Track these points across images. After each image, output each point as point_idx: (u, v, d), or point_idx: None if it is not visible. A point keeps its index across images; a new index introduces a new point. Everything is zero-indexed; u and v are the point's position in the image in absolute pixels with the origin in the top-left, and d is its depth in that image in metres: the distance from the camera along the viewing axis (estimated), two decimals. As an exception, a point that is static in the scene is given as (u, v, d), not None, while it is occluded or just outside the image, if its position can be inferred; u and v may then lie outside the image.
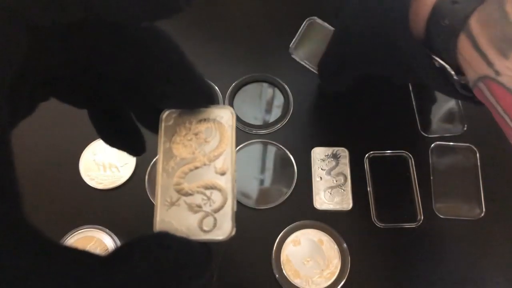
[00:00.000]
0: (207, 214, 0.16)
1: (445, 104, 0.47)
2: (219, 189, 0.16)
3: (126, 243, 0.16)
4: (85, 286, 0.14)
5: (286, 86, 0.46)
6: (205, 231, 0.15)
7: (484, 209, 0.42)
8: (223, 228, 0.15)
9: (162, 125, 0.18)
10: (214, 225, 0.15)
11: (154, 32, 0.19)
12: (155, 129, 0.19)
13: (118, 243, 0.38)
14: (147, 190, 0.41)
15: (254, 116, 0.46)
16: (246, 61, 0.48)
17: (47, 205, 0.40)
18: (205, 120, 0.17)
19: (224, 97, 0.46)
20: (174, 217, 0.15)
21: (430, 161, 0.44)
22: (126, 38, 0.18)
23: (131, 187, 0.42)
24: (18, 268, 0.14)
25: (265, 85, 0.47)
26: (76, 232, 0.39)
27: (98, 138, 0.23)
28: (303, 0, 0.50)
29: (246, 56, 0.48)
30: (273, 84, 0.47)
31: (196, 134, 0.17)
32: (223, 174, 0.16)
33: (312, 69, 0.47)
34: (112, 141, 0.23)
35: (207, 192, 0.16)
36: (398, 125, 0.46)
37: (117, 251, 0.15)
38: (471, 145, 0.44)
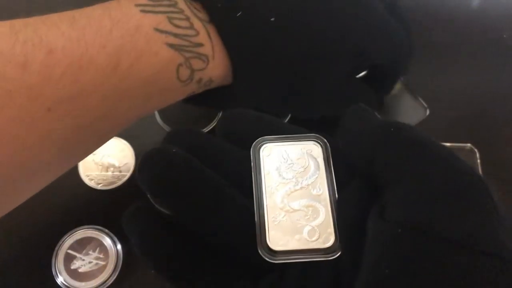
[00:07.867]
0: (310, 228, 0.19)
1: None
2: (317, 208, 0.20)
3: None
4: None
5: (286, 86, 0.46)
6: (311, 241, 0.19)
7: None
8: (325, 238, 0.19)
9: (261, 155, 0.21)
10: (318, 236, 0.19)
11: None
12: None
13: (118, 243, 0.38)
14: (147, 190, 0.41)
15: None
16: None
17: (46, 205, 0.40)
18: (298, 153, 0.21)
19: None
20: (283, 231, 0.19)
21: (430, 161, 0.44)
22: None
23: (130, 187, 0.42)
24: None
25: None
26: (75, 233, 0.39)
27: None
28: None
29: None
30: (273, 84, 0.47)
31: (292, 163, 0.21)
32: (319, 194, 0.20)
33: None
34: None
35: (308, 210, 0.20)
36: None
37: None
38: (471, 145, 0.44)
